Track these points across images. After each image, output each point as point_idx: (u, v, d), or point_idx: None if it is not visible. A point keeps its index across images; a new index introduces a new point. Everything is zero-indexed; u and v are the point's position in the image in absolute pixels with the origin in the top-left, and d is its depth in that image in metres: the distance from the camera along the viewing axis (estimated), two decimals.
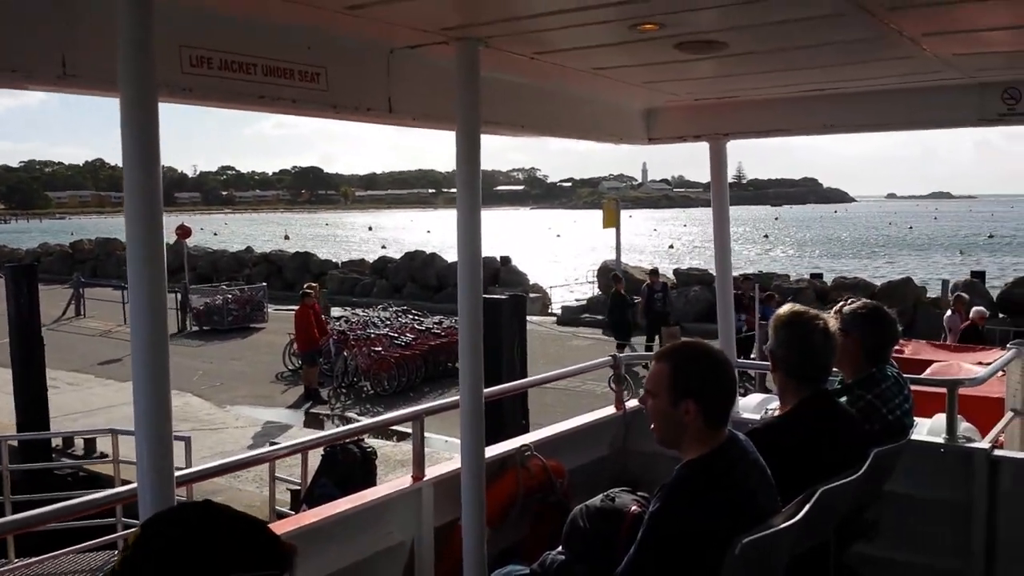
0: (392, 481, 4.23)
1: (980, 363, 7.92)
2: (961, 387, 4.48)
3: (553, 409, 12.05)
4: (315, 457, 8.69)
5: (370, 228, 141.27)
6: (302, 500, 8.44)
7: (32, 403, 13.92)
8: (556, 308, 31.30)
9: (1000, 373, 5.62)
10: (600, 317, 26.77)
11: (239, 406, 17.23)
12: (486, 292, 14.50)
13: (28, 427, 13.50)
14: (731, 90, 4.50)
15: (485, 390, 3.55)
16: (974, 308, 16.51)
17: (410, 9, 2.83)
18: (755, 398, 5.43)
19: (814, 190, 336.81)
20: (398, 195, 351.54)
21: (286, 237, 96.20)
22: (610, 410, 5.29)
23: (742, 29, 3.12)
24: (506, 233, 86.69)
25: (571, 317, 28.38)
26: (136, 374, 2.35)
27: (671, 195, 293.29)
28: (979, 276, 27.36)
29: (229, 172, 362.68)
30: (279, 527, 3.60)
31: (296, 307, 18.95)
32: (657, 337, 20.20)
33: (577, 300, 31.28)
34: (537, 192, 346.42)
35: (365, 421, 9.06)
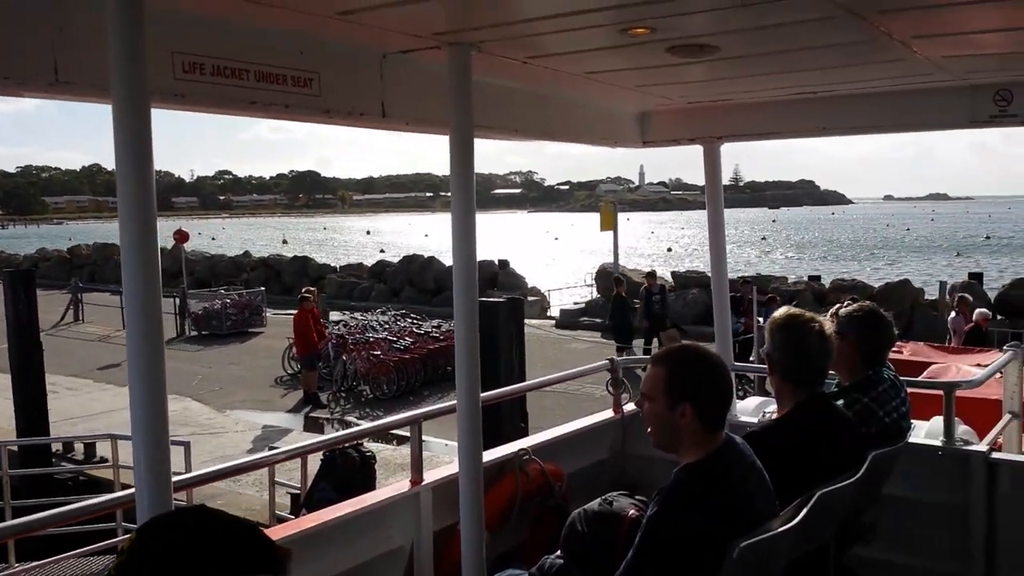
0: (391, 485, 4.23)
1: (978, 365, 7.93)
2: (958, 389, 4.48)
3: (552, 412, 12.06)
4: (315, 461, 8.71)
5: (368, 232, 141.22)
6: (302, 504, 8.45)
7: (32, 408, 13.94)
8: (555, 311, 31.28)
9: (998, 375, 5.63)
10: (599, 320, 26.79)
11: (238, 410, 17.22)
12: (484, 295, 14.49)
13: (28, 432, 13.53)
14: (724, 93, 4.52)
15: (482, 394, 3.56)
16: (977, 310, 16.50)
17: (402, 14, 2.83)
18: (753, 401, 5.44)
19: (811, 192, 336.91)
20: (396, 199, 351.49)
21: (284, 241, 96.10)
22: (608, 414, 5.30)
23: (733, 33, 3.14)
24: (504, 236, 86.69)
25: (570, 320, 28.38)
26: (132, 379, 2.35)
27: (668, 198, 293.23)
28: (977, 278, 27.36)
29: (226, 176, 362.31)
30: (278, 531, 3.61)
31: (295, 311, 18.94)
32: (655, 340, 20.18)
33: (576, 303, 31.27)
34: (534, 195, 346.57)
35: (363, 426, 9.08)
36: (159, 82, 2.52)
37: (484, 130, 3.73)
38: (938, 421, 4.37)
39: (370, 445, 11.58)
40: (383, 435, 12.99)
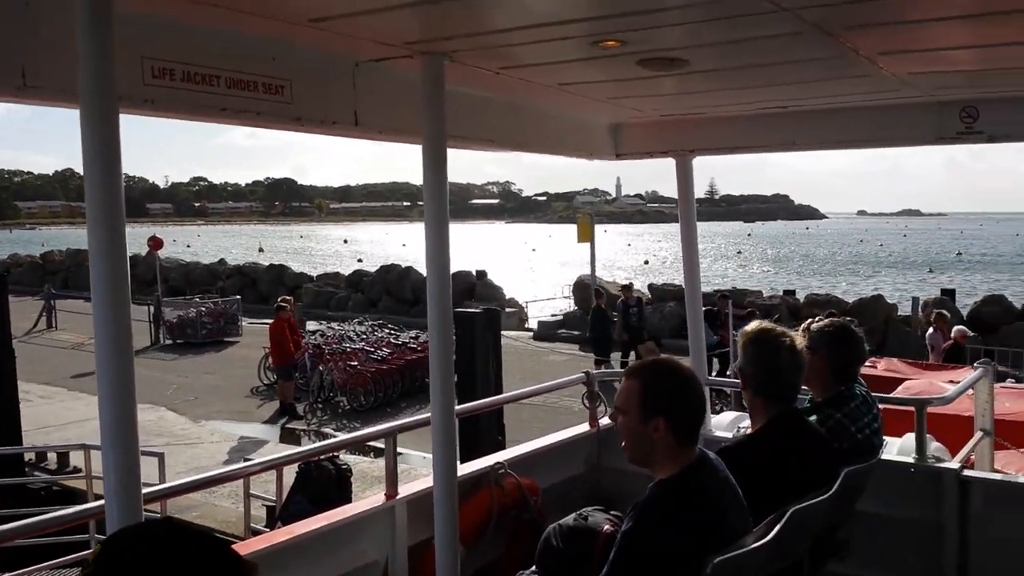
0: (365, 499, 4.21)
1: (951, 381, 8.02)
2: (930, 406, 4.53)
3: (530, 425, 12.05)
4: (291, 474, 8.64)
5: (345, 241, 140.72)
6: (277, 517, 8.38)
7: (4, 416, 13.68)
8: (533, 323, 31.27)
9: (970, 392, 5.68)
10: (577, 332, 26.82)
11: (214, 421, 17.06)
12: (462, 306, 14.44)
13: (0, 441, 13.30)
14: (695, 107, 4.56)
15: (458, 407, 3.56)
16: (956, 327, 16.69)
17: (374, 23, 2.83)
18: (727, 416, 5.46)
19: (785, 206, 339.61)
20: (373, 208, 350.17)
21: (260, 250, 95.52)
22: (584, 427, 5.30)
23: (703, 47, 3.17)
24: (482, 247, 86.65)
25: (547, 332, 28.38)
26: (101, 388, 2.33)
27: (645, 210, 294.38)
28: (949, 294, 27.69)
29: (201, 183, 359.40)
30: (252, 544, 3.59)
31: (271, 320, 18.80)
32: (633, 353, 20.24)
33: (553, 315, 31.27)
34: (512, 206, 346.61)
35: (338, 438, 9.02)
36: (128, 87, 2.50)
37: (457, 140, 3.73)
38: (910, 438, 4.41)
39: (347, 457, 11.51)
40: (360, 447, 12.91)
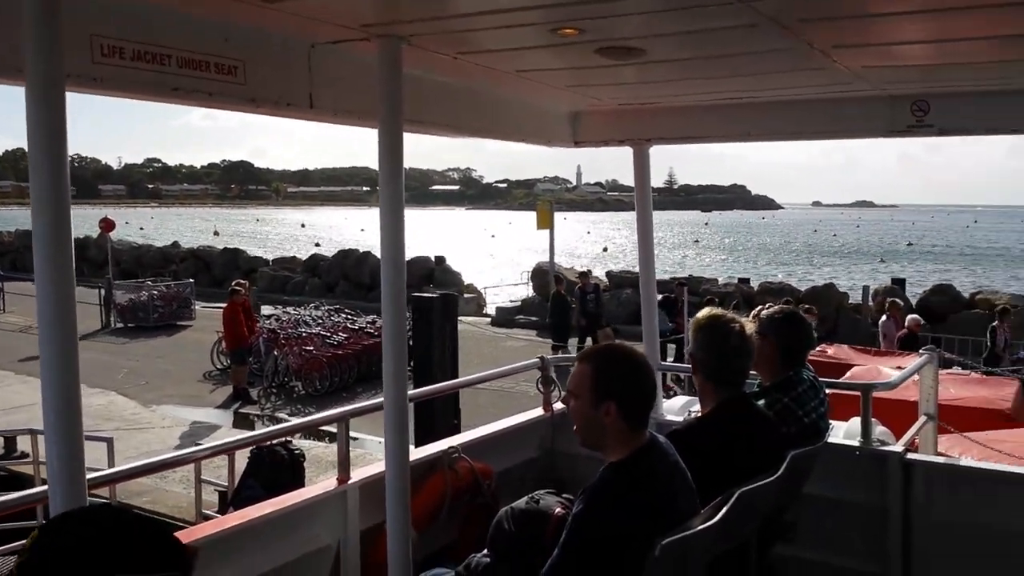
0: (317, 484, 4.18)
1: (899, 368, 8.19)
2: (875, 391, 4.61)
3: (486, 410, 12.06)
4: (244, 459, 8.55)
5: (303, 225, 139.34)
6: (229, 502, 8.30)
7: None
8: (491, 309, 31.30)
9: (916, 377, 5.81)
10: (535, 318, 26.91)
11: (165, 405, 16.81)
12: (420, 292, 14.40)
13: None
14: (653, 96, 4.58)
15: (411, 391, 3.54)
16: (910, 316, 17.04)
17: (330, 4, 2.80)
18: (679, 401, 5.53)
19: (742, 197, 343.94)
20: (331, 192, 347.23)
21: (216, 233, 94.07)
22: (538, 412, 5.32)
23: (660, 37, 3.18)
24: (441, 233, 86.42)
25: (506, 318, 28.44)
26: (44, 373, 2.30)
27: (605, 198, 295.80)
28: (899, 283, 28.26)
29: (156, 165, 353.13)
30: (201, 530, 3.55)
31: (224, 304, 18.57)
32: (590, 339, 20.38)
33: (512, 301, 31.34)
34: (472, 192, 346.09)
35: (290, 422, 8.94)
36: (75, 65, 2.45)
37: (414, 125, 3.70)
38: (856, 422, 4.48)
39: (301, 442, 11.43)
40: (315, 432, 12.82)
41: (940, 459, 4.79)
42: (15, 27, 2.19)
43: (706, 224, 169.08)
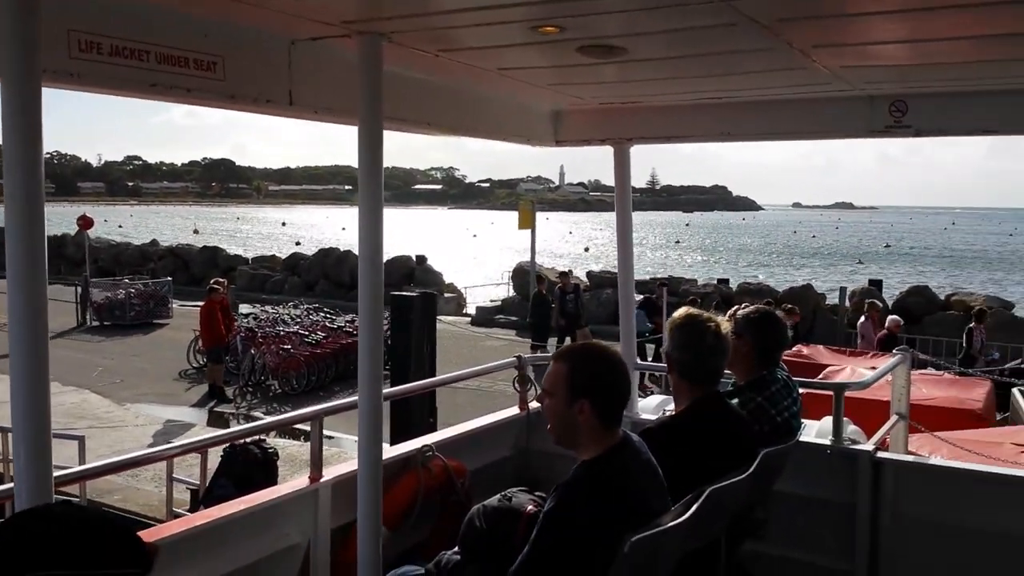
0: (289, 482, 4.15)
1: (873, 368, 8.27)
2: (847, 391, 4.65)
3: (464, 409, 12.02)
4: (217, 458, 8.49)
5: (283, 224, 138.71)
6: (200, 501, 8.23)
7: None
8: (471, 308, 31.29)
9: (888, 377, 5.86)
10: (515, 318, 26.91)
11: (140, 404, 16.66)
12: (400, 291, 14.37)
13: None
14: (634, 95, 4.59)
15: (387, 389, 3.53)
16: (890, 317, 17.19)
17: (310, 0, 2.79)
18: (654, 400, 5.54)
19: (724, 198, 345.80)
20: (313, 191, 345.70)
21: (195, 231, 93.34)
22: (514, 410, 5.31)
23: (641, 36, 3.19)
24: (423, 232, 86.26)
25: (486, 318, 28.43)
26: (14, 369, 2.30)
27: (587, 198, 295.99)
28: (877, 284, 28.48)
29: (136, 162, 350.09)
30: (170, 527, 3.51)
31: (202, 302, 18.44)
32: (568, 339, 20.40)
33: (492, 301, 31.34)
34: (455, 192, 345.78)
35: (263, 420, 8.89)
36: (53, 61, 2.43)
37: (395, 122, 3.70)
38: (828, 421, 4.52)
39: (277, 441, 11.37)
40: (291, 431, 12.76)
41: (909, 458, 4.83)
42: None
43: (687, 225, 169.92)
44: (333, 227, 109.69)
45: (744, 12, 2.80)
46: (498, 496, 3.38)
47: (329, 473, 3.97)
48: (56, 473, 2.56)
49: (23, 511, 1.69)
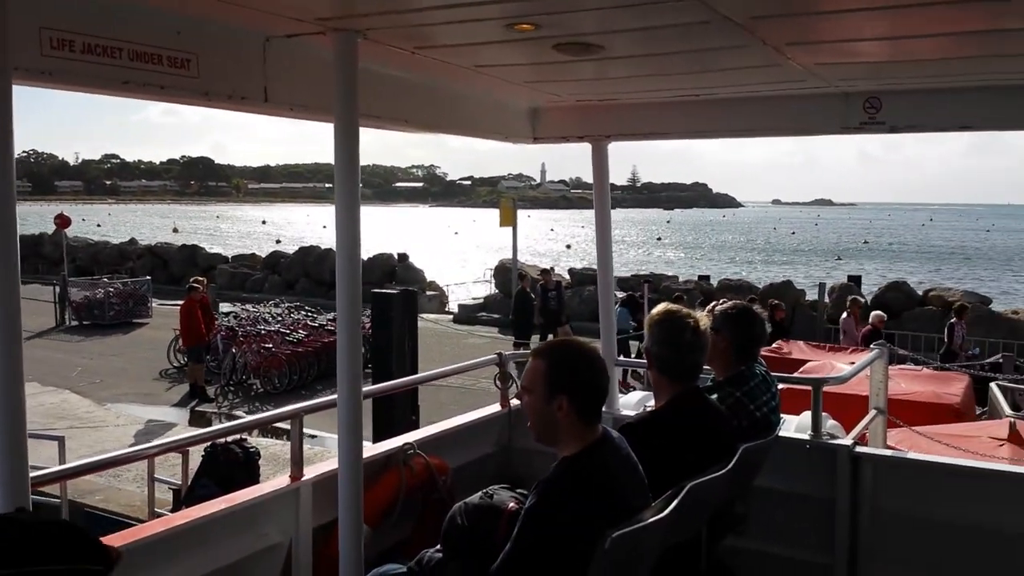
0: (269, 481, 4.13)
1: (852, 363, 8.35)
2: (825, 385, 4.68)
3: (447, 407, 12.01)
4: (199, 457, 8.44)
5: (264, 222, 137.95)
6: (182, 501, 8.18)
7: None
8: (453, 306, 31.26)
9: (866, 372, 5.91)
10: (497, 315, 26.92)
11: (120, 403, 16.55)
12: (382, 288, 14.28)
13: None
14: (611, 92, 4.60)
15: (366, 387, 3.52)
16: (873, 312, 17.31)
17: None
18: (635, 396, 5.55)
19: (704, 195, 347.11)
20: (293, 189, 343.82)
21: (175, 230, 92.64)
22: (496, 408, 5.31)
23: (616, 33, 3.19)
24: (405, 230, 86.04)
25: (468, 315, 28.42)
26: None
27: (569, 196, 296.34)
28: (855, 280, 28.72)
29: (113, 160, 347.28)
30: (149, 528, 3.48)
31: (182, 301, 18.32)
32: (550, 336, 20.42)
33: (474, 298, 31.32)
34: (436, 190, 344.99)
35: (242, 419, 8.84)
36: (24, 58, 2.41)
37: (371, 120, 3.68)
38: (807, 416, 4.55)
39: (259, 440, 11.32)
40: (273, 430, 12.71)
41: (887, 452, 4.87)
42: None
43: (668, 222, 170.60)
44: (313, 225, 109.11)
45: (718, 10, 2.81)
46: (480, 493, 3.38)
47: (310, 472, 3.96)
48: (33, 473, 2.54)
49: None
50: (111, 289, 27.64)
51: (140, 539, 3.20)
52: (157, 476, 9.46)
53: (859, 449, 4.40)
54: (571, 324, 21.59)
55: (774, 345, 12.42)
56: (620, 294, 21.99)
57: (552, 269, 25.35)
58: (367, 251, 33.76)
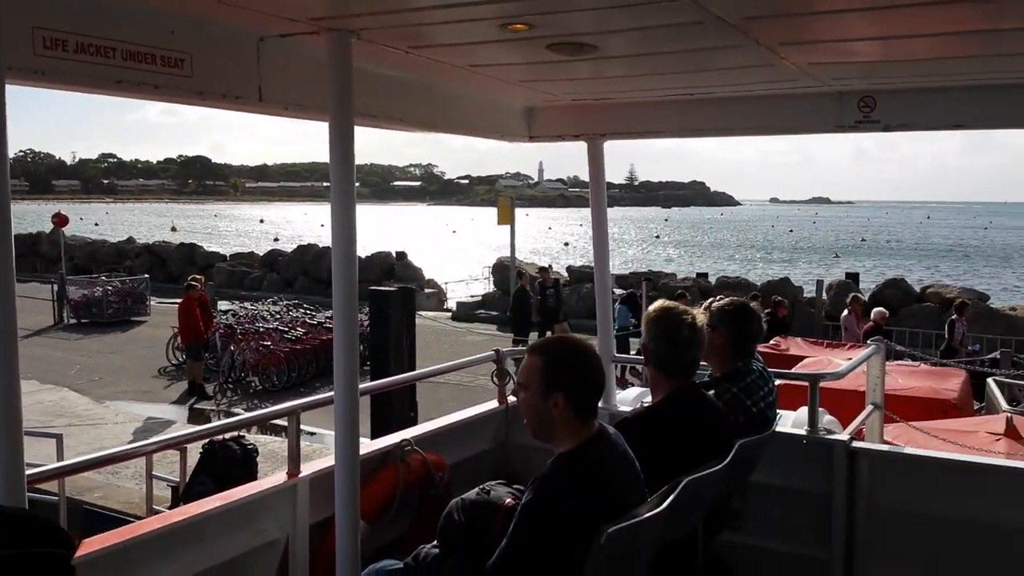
0: (267, 478, 4.14)
1: (849, 359, 8.37)
2: (822, 381, 4.68)
3: (446, 404, 12.03)
4: (197, 454, 8.45)
5: (261, 221, 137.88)
6: (180, 498, 8.19)
7: None
8: (452, 304, 31.27)
9: (863, 368, 5.92)
10: (496, 313, 26.93)
11: (119, 401, 16.57)
12: (380, 286, 14.28)
13: None
14: (606, 92, 4.60)
15: (363, 384, 3.52)
16: (875, 309, 17.34)
17: None
18: (632, 392, 5.56)
19: (702, 193, 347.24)
20: (291, 188, 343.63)
21: (173, 229, 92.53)
22: (493, 404, 5.32)
23: (610, 33, 3.19)
24: (403, 228, 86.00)
25: (466, 313, 28.45)
26: None
27: (566, 194, 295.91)
28: (853, 278, 28.76)
29: (111, 160, 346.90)
30: (146, 524, 3.48)
31: (180, 299, 18.33)
32: (548, 334, 20.45)
33: (472, 296, 31.34)
34: (434, 188, 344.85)
35: (240, 416, 8.84)
36: (17, 58, 2.41)
37: (367, 118, 3.68)
38: (804, 411, 4.55)
39: (257, 437, 11.33)
40: (271, 427, 12.73)
41: (883, 447, 4.88)
42: None
43: (666, 220, 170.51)
44: (311, 224, 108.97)
45: (711, 10, 2.82)
46: (477, 489, 3.39)
47: (307, 468, 3.96)
48: (30, 471, 2.54)
49: None
50: (109, 287, 27.66)
51: (138, 536, 3.21)
52: (155, 473, 9.46)
53: (856, 444, 4.41)
54: (569, 321, 21.60)
55: (772, 341, 12.44)
56: (620, 292, 22.01)
57: (550, 267, 25.37)
58: (365, 249, 33.78)
